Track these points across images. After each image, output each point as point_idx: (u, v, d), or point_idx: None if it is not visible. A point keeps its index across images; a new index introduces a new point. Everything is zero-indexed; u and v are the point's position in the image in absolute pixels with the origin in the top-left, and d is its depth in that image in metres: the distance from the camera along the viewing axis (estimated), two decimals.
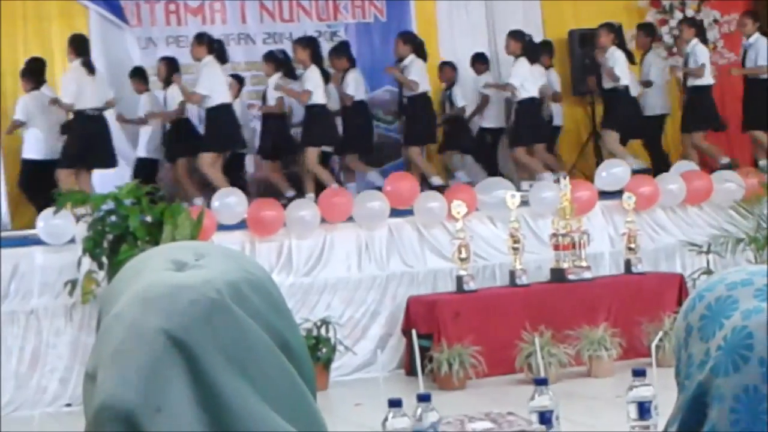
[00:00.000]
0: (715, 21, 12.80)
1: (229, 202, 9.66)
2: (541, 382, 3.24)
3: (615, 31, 11.60)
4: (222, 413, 1.00)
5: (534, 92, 11.50)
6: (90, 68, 10.41)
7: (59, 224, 8.98)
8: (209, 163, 10.49)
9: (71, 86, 10.24)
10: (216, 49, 10.54)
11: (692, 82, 11.68)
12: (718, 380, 1.09)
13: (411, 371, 8.41)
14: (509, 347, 8.37)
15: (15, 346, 8.64)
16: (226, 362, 1.01)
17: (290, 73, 11.11)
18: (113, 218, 8.56)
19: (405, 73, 11.37)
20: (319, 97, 10.75)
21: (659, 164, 11.74)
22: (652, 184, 10.56)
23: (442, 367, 8.33)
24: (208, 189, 10.51)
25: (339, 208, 9.76)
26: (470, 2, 12.77)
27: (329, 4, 12.54)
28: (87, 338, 8.56)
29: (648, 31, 12.29)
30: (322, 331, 8.78)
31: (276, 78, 11.03)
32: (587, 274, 9.22)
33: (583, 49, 12.55)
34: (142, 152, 11.52)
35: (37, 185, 10.18)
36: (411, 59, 11.31)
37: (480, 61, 12.35)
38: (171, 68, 11.10)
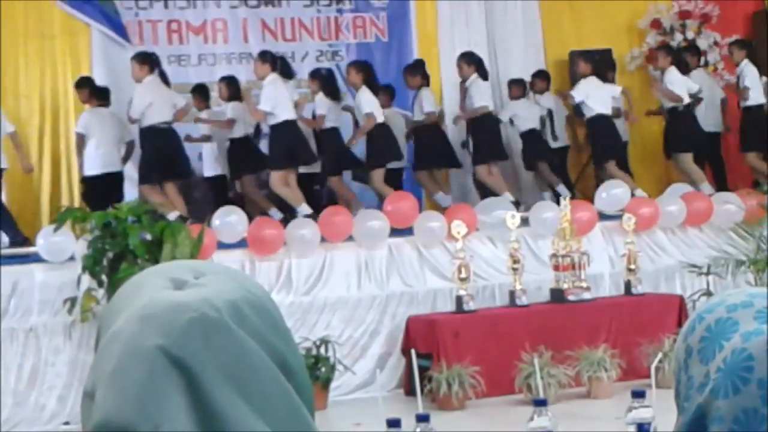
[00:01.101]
0: (715, 43, 12.84)
1: (230, 220, 9.67)
2: (541, 403, 3.23)
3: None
4: (219, 431, 1.00)
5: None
6: (165, 80, 10.55)
7: (59, 242, 8.98)
8: (279, 182, 10.49)
9: (145, 99, 10.34)
10: (280, 65, 10.61)
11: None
12: (718, 402, 1.09)
13: (410, 391, 8.39)
14: (509, 367, 8.35)
15: (14, 363, 8.63)
16: (225, 381, 1.01)
17: (334, 93, 11.13)
18: (113, 236, 8.56)
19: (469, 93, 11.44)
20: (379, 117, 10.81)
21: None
22: (652, 205, 10.56)
23: (441, 387, 8.32)
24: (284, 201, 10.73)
25: (339, 227, 9.76)
26: (471, 22, 12.81)
27: (331, 24, 12.57)
28: (86, 356, 8.54)
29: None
30: (322, 350, 8.77)
31: (322, 95, 11.03)
32: (587, 295, 9.21)
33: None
34: (209, 171, 11.54)
35: (102, 200, 10.22)
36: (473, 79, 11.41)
37: (540, 78, 12.34)
38: (232, 87, 11.16)
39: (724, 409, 1.08)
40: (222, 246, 9.36)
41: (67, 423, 8.54)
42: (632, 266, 9.50)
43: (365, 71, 10.98)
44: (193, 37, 12.18)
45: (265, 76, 10.47)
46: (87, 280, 8.54)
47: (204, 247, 8.73)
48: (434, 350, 8.60)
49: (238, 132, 11.15)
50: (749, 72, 11.65)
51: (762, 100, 11.73)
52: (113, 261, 8.47)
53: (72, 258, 8.87)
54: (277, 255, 9.54)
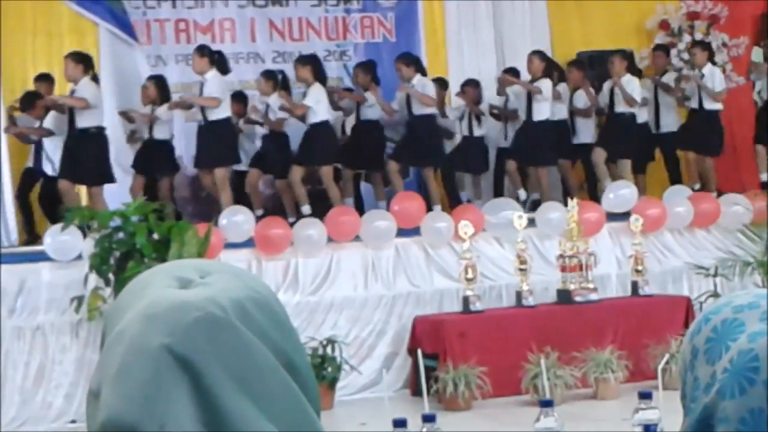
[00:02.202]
0: (724, 44, 12.81)
1: (237, 220, 9.67)
2: (547, 404, 3.23)
3: (628, 57, 11.62)
4: (225, 430, 1.00)
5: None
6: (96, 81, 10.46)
7: (66, 240, 9.00)
8: (221, 179, 10.45)
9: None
10: (218, 61, 10.52)
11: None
12: (724, 403, 1.08)
13: (416, 391, 8.39)
14: (515, 368, 8.35)
15: (21, 361, 8.65)
16: (230, 380, 1.01)
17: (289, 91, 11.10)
18: (120, 235, 8.57)
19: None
20: (321, 114, 10.69)
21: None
22: (659, 206, 10.55)
23: (447, 387, 8.31)
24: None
25: (346, 227, 9.77)
26: (479, 23, 12.80)
27: (338, 24, 12.58)
28: (92, 355, 8.56)
29: (666, 51, 12.24)
30: (328, 350, 8.77)
31: (276, 97, 11.00)
32: (594, 296, 9.21)
33: (592, 70, 12.56)
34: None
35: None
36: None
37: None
38: (160, 87, 11.01)
39: (731, 410, 1.08)
40: (229, 245, 9.37)
41: (73, 421, 8.55)
42: (639, 267, 9.49)
43: (312, 64, 10.80)
44: (201, 37, 12.18)
45: (204, 71, 10.39)
46: (94, 279, 8.55)
47: (211, 247, 8.74)
48: (441, 350, 8.60)
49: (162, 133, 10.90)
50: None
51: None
52: (120, 260, 8.48)
53: (79, 257, 8.89)
54: (283, 255, 9.54)
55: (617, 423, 6.75)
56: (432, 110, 11.13)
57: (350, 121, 11.67)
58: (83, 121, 10.10)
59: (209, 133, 10.39)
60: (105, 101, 10.57)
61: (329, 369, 8.67)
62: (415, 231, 9.90)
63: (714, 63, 11.85)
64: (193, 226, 8.87)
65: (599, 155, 11.44)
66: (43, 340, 8.72)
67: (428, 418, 3.14)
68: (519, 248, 9.14)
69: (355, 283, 9.55)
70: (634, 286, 9.51)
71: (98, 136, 10.18)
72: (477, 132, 11.91)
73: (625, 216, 10.18)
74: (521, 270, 9.10)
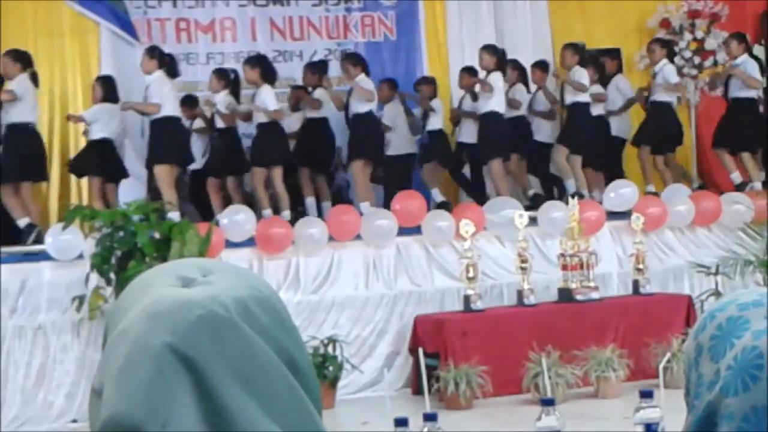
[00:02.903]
0: (725, 42, 12.80)
1: (238, 219, 9.67)
2: (548, 403, 3.23)
3: (580, 51, 11.56)
4: (227, 429, 1.00)
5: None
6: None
7: (68, 240, 9.00)
8: (165, 178, 10.33)
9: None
10: (168, 63, 10.47)
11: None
12: (728, 400, 1.09)
13: (418, 390, 8.39)
14: (516, 367, 8.35)
15: (22, 361, 8.65)
16: (233, 378, 1.01)
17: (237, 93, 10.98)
18: (121, 234, 8.57)
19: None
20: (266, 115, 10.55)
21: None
22: (660, 205, 10.55)
23: (448, 386, 8.32)
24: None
25: (347, 226, 9.77)
26: (480, 22, 12.80)
27: (339, 23, 12.58)
28: (94, 354, 8.56)
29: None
30: (329, 349, 8.77)
31: (223, 95, 10.94)
32: (595, 295, 9.21)
33: (594, 69, 12.55)
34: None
35: None
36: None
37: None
38: (108, 88, 10.83)
39: (734, 407, 1.08)
40: (230, 244, 9.38)
41: (75, 421, 8.55)
42: (640, 266, 9.49)
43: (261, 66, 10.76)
44: (202, 36, 12.20)
45: (151, 71, 10.35)
46: (95, 279, 8.56)
47: (212, 246, 8.74)
48: (442, 349, 8.60)
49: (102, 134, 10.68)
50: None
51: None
52: (121, 259, 8.48)
53: (80, 256, 8.89)
54: (285, 254, 9.55)
55: (618, 422, 6.75)
56: (371, 107, 11.03)
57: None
58: (12, 117, 10.04)
59: (154, 132, 10.34)
60: None
61: (330, 368, 8.67)
62: (416, 230, 9.90)
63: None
64: (194, 225, 8.87)
65: (559, 153, 11.34)
66: (44, 339, 8.72)
67: (429, 417, 3.14)
68: (520, 247, 9.14)
69: (356, 282, 9.56)
70: (635, 284, 9.51)
71: (26, 131, 10.07)
72: (431, 126, 11.75)
73: (626, 214, 10.18)
74: (522, 269, 9.11)
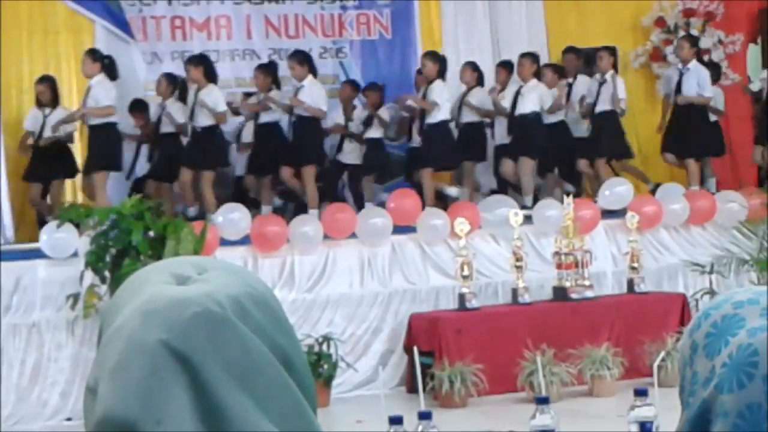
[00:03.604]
0: (720, 41, 12.82)
1: (233, 217, 9.67)
2: (543, 401, 3.23)
3: (536, 60, 11.43)
4: (222, 426, 1.00)
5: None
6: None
7: (62, 238, 8.99)
8: (100, 183, 10.31)
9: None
10: (108, 65, 10.40)
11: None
12: (723, 397, 1.09)
13: (412, 389, 8.38)
14: (511, 365, 8.36)
15: (16, 359, 8.64)
16: (227, 376, 1.01)
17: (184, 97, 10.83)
18: (116, 232, 8.57)
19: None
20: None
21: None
22: (655, 203, 10.56)
23: (443, 384, 8.32)
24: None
25: (342, 224, 9.77)
26: (475, 20, 12.80)
27: (334, 21, 12.57)
28: (88, 352, 8.56)
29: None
30: (324, 347, 8.77)
31: (173, 101, 10.81)
32: (590, 293, 9.22)
33: (588, 68, 12.57)
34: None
35: None
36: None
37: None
38: (52, 90, 10.83)
39: (729, 404, 1.08)
40: (225, 242, 9.37)
41: (69, 419, 8.55)
42: (635, 264, 9.50)
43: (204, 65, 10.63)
44: (197, 34, 12.18)
45: (93, 74, 10.24)
46: (90, 276, 8.55)
47: (207, 244, 8.73)
48: (437, 348, 8.61)
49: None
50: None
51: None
52: (116, 257, 8.48)
53: (75, 254, 8.88)
54: (280, 252, 9.55)
55: (613, 420, 6.75)
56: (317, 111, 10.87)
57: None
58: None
59: (93, 138, 10.25)
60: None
61: (325, 366, 8.67)
62: (411, 228, 9.90)
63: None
64: (188, 223, 8.87)
65: (505, 163, 11.22)
66: (38, 337, 8.72)
67: (424, 416, 3.14)
68: (515, 245, 9.15)
69: (351, 280, 9.56)
70: (630, 283, 9.52)
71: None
72: (373, 134, 11.55)
73: (620, 213, 10.19)
74: (517, 267, 9.11)
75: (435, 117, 10.87)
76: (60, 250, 9.01)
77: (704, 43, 12.70)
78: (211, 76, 10.57)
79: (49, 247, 9.03)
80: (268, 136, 10.95)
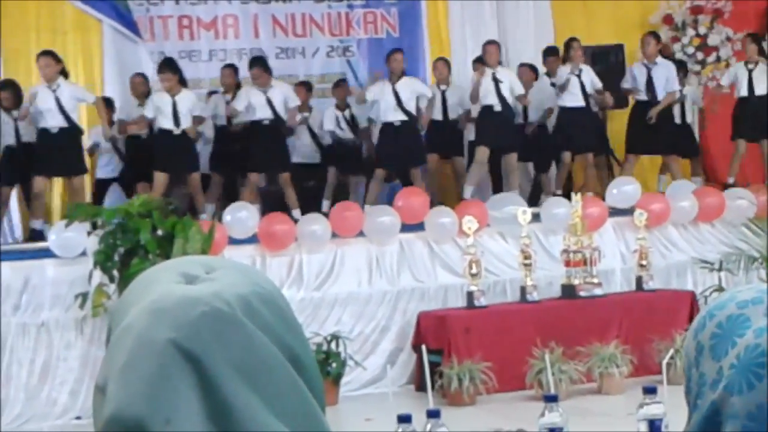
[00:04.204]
0: (728, 39, 12.79)
1: (241, 216, 9.68)
2: (552, 399, 3.23)
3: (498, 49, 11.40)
4: (231, 425, 1.00)
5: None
6: None
7: (71, 237, 9.01)
8: (40, 187, 10.25)
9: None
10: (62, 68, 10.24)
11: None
12: (732, 398, 1.08)
13: (421, 387, 8.39)
14: (520, 363, 8.35)
15: (25, 358, 8.66)
16: (236, 374, 1.01)
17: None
18: (124, 232, 8.58)
19: None
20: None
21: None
22: (663, 201, 10.55)
23: (452, 382, 8.32)
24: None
25: (350, 223, 9.77)
26: (483, 18, 12.79)
27: (342, 20, 12.58)
28: (97, 351, 8.57)
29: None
30: (332, 345, 8.78)
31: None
32: (598, 291, 9.20)
33: (595, 65, 12.56)
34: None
35: None
36: None
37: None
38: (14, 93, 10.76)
39: (738, 406, 1.08)
40: (233, 241, 9.38)
41: (78, 418, 8.57)
42: (644, 262, 9.49)
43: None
44: (204, 33, 12.20)
45: (55, 77, 10.12)
46: (98, 276, 8.56)
47: (215, 243, 8.74)
48: (445, 346, 8.60)
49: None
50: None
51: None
52: (125, 256, 8.49)
53: (84, 253, 8.90)
54: (288, 250, 9.55)
55: (622, 418, 6.75)
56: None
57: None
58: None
59: (42, 143, 10.15)
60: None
61: (334, 364, 8.67)
62: (419, 226, 9.90)
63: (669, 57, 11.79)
64: (196, 222, 8.88)
65: (481, 153, 11.16)
66: (47, 336, 8.73)
67: (433, 414, 3.14)
68: (523, 243, 9.14)
69: (359, 278, 9.56)
70: (639, 280, 9.50)
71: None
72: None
73: (629, 211, 10.18)
74: (525, 265, 9.10)
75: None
76: (69, 250, 9.02)
77: (712, 40, 12.68)
78: (184, 82, 10.53)
79: (58, 247, 9.05)
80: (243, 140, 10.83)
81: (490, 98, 10.95)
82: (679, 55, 12.69)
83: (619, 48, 12.80)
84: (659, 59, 11.52)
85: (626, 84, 11.65)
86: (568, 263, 9.21)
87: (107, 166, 11.34)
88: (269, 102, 10.59)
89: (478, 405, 8.33)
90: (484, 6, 12.79)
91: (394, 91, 10.82)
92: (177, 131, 10.27)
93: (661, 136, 11.27)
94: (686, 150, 11.89)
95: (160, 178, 10.25)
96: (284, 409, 1.02)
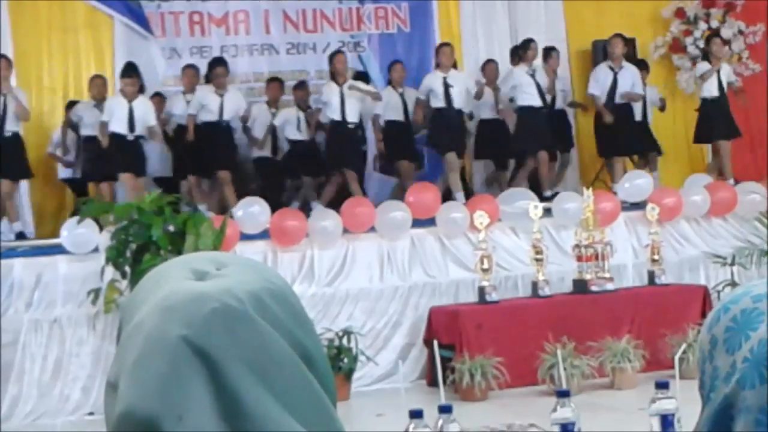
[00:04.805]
0: (740, 32, 12.75)
1: (253, 211, 9.68)
2: (564, 394, 3.22)
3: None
4: (243, 421, 1.00)
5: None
6: None
7: (83, 233, 9.03)
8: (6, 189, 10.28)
9: None
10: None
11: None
12: (745, 392, 1.08)
13: (433, 382, 8.38)
14: (531, 358, 8.34)
15: (38, 354, 8.68)
16: (247, 371, 1.01)
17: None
18: (136, 228, 8.59)
19: None
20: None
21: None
22: (675, 195, 10.52)
23: (464, 378, 8.31)
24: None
25: (361, 218, 9.77)
26: (494, 13, 12.77)
27: (353, 15, 12.57)
28: (109, 347, 8.59)
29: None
30: (344, 341, 8.78)
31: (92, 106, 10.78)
32: (610, 286, 9.19)
33: (608, 60, 12.53)
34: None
35: None
36: None
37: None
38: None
39: (751, 399, 1.07)
40: (244, 237, 9.39)
41: (91, 413, 8.59)
42: (656, 257, 9.46)
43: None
44: (215, 29, 12.21)
45: (9, 78, 10.15)
46: (110, 272, 8.58)
47: (227, 238, 8.75)
48: (457, 341, 8.60)
49: None
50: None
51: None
52: (136, 252, 8.50)
53: (96, 250, 8.92)
54: (299, 246, 9.56)
55: (634, 412, 6.74)
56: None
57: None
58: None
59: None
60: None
61: (345, 360, 8.67)
62: (430, 222, 9.90)
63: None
64: (208, 218, 8.89)
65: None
66: (60, 332, 8.76)
67: (444, 409, 3.14)
68: (535, 238, 9.12)
69: (370, 274, 9.56)
70: (651, 275, 9.48)
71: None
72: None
73: (641, 205, 10.16)
74: (537, 260, 9.09)
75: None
76: (81, 246, 9.04)
77: (725, 33, 12.64)
78: (142, 88, 10.49)
79: (70, 243, 9.07)
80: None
81: (438, 102, 10.94)
82: (690, 49, 12.64)
83: (630, 42, 12.76)
84: (624, 63, 11.49)
85: (592, 90, 11.55)
86: (579, 258, 9.19)
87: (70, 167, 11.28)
88: (222, 106, 10.60)
89: (490, 400, 8.33)
90: (495, 2, 12.76)
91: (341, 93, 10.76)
92: (130, 137, 10.22)
93: (626, 136, 11.31)
94: (650, 148, 11.93)
95: (125, 179, 10.25)
96: (295, 404, 1.02)
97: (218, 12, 12.22)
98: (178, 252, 8.18)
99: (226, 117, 10.74)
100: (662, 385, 3.18)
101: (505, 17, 12.80)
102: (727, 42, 12.47)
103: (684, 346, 7.77)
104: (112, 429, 1.02)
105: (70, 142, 11.16)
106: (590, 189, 9.65)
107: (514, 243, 9.90)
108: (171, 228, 8.56)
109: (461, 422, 3.18)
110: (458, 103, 11.01)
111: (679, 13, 12.96)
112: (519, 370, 8.42)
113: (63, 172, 11.33)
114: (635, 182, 10.67)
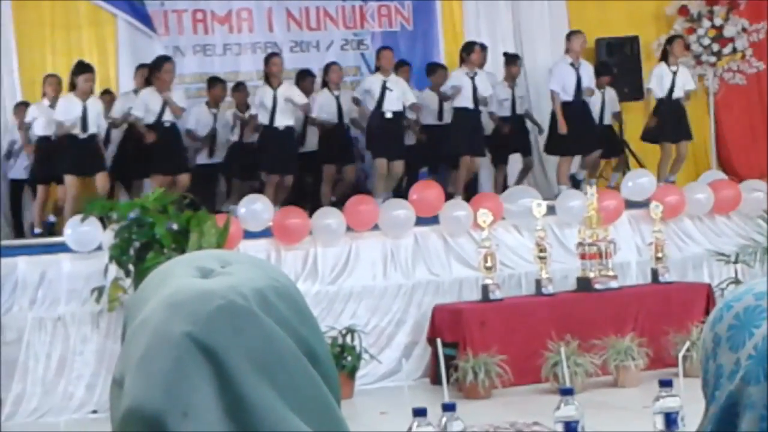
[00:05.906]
0: (744, 30, 12.73)
1: (255, 209, 9.69)
2: (567, 392, 3.22)
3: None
4: (248, 419, 1.00)
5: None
6: None
7: (87, 232, 9.04)
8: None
9: None
10: None
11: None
12: (750, 389, 1.08)
13: (436, 380, 8.39)
14: (535, 356, 8.34)
15: (42, 352, 8.70)
16: (252, 368, 1.01)
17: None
18: (140, 226, 8.60)
19: None
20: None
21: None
22: (679, 193, 10.52)
23: (467, 376, 8.32)
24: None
25: (364, 216, 9.77)
26: (497, 10, 12.77)
27: (356, 13, 12.57)
28: (113, 345, 8.60)
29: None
30: (348, 339, 8.78)
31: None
32: (614, 284, 9.19)
33: (611, 57, 12.53)
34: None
35: None
36: None
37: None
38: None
39: (756, 396, 1.07)
40: (248, 235, 9.39)
41: (95, 411, 8.60)
42: (659, 254, 9.46)
43: None
44: (219, 27, 12.21)
45: None
46: (114, 270, 8.59)
47: (230, 237, 8.76)
48: (460, 339, 8.60)
49: None
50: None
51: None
52: (140, 250, 8.51)
53: (99, 248, 8.93)
54: (302, 244, 9.56)
55: (638, 411, 6.73)
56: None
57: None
58: None
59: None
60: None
61: (349, 358, 8.68)
62: (433, 220, 9.90)
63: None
64: (212, 216, 8.90)
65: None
66: (63, 330, 8.77)
67: (448, 407, 3.14)
68: (538, 236, 9.12)
69: (374, 272, 9.56)
70: (654, 273, 9.48)
71: None
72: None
73: (644, 203, 10.15)
74: (541, 258, 9.09)
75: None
76: (84, 244, 9.05)
77: (728, 31, 12.62)
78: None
79: (74, 241, 9.08)
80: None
81: (371, 104, 10.91)
82: (694, 47, 12.63)
83: (634, 40, 12.75)
84: (582, 59, 11.43)
85: (553, 86, 11.36)
86: (583, 256, 9.19)
87: (21, 166, 11.21)
88: (164, 106, 10.52)
89: (493, 398, 8.33)
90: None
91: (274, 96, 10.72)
92: (83, 135, 10.16)
93: (591, 135, 11.30)
94: (614, 148, 11.92)
95: (69, 180, 10.18)
96: (300, 402, 1.02)
97: (221, 10, 12.22)
98: (182, 250, 8.19)
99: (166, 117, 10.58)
100: (666, 383, 3.18)
101: (508, 14, 12.79)
102: (730, 39, 12.45)
103: (688, 344, 7.73)
104: (117, 426, 1.02)
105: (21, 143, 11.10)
106: (594, 187, 9.65)
107: (517, 241, 9.90)
108: (174, 226, 8.56)
109: (465, 420, 3.19)
110: (394, 107, 10.90)
111: (683, 10, 12.95)
112: (522, 368, 8.42)
113: (15, 172, 11.23)
114: (638, 180, 10.66)
